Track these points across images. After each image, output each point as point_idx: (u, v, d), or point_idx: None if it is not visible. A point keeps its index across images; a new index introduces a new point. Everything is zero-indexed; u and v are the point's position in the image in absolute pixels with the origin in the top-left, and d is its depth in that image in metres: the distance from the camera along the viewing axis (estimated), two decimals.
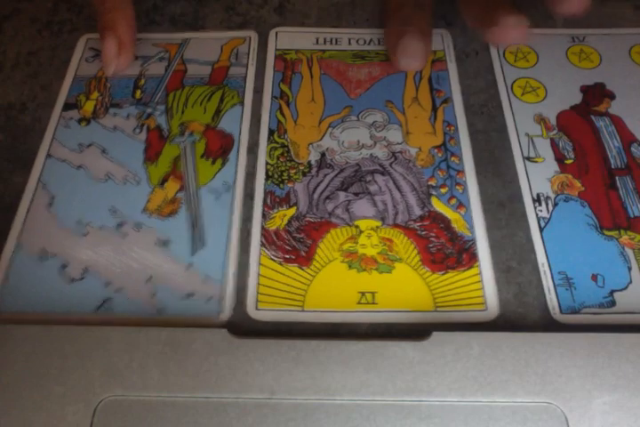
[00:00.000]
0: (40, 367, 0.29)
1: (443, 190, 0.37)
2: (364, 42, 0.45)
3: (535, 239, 0.35)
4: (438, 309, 0.33)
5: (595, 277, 0.34)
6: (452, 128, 0.40)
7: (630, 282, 0.34)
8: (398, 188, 0.38)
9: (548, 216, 0.36)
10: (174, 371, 0.29)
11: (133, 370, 0.29)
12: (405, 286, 0.34)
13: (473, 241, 0.35)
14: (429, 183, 0.38)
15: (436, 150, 0.39)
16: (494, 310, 0.33)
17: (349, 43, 0.45)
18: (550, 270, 0.34)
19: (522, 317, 0.33)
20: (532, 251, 0.35)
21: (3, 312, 0.33)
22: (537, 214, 0.36)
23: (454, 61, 0.44)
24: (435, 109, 0.41)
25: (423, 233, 0.36)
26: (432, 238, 0.36)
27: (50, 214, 0.37)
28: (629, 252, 0.35)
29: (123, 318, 0.33)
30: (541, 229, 0.36)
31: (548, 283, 0.34)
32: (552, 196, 0.37)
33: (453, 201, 0.37)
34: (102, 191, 0.38)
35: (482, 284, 0.34)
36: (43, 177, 0.38)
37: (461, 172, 0.38)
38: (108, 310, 0.33)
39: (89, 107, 0.42)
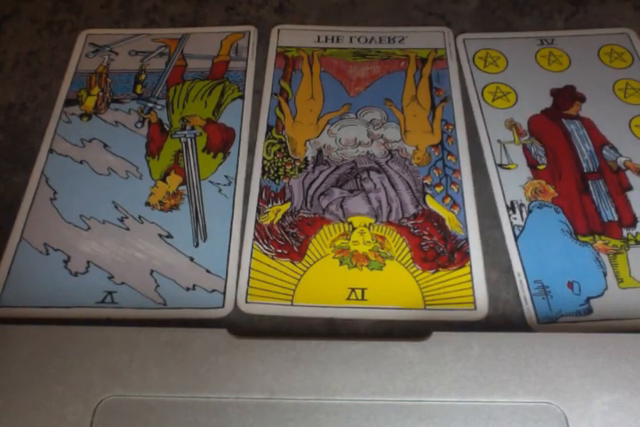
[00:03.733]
0: (40, 367, 0.27)
1: (438, 189, 0.35)
2: (366, 40, 0.43)
3: (510, 248, 0.33)
4: (427, 307, 0.31)
5: (571, 285, 0.32)
6: (451, 127, 0.38)
7: (606, 288, 0.32)
8: (393, 185, 0.36)
9: (522, 224, 0.34)
10: (174, 371, 0.27)
11: (133, 370, 0.27)
12: (395, 284, 0.32)
13: (466, 240, 0.33)
14: (425, 182, 0.36)
15: (433, 149, 0.37)
16: (483, 310, 0.31)
17: (351, 41, 0.43)
18: (526, 280, 0.32)
19: (508, 318, 0.31)
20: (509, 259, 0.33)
21: (7, 306, 0.32)
22: (511, 223, 0.34)
23: (455, 59, 0.42)
24: (434, 108, 0.39)
25: (416, 231, 0.34)
26: (425, 237, 0.34)
27: (53, 209, 0.35)
28: (604, 257, 0.33)
29: (127, 310, 0.31)
30: (516, 238, 0.33)
31: (524, 292, 0.32)
32: (526, 203, 0.35)
33: (448, 200, 0.35)
34: (105, 185, 0.36)
35: (472, 283, 0.32)
36: (45, 172, 0.36)
37: (457, 171, 0.36)
38: (111, 302, 0.32)
39: (90, 102, 0.40)
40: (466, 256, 0.33)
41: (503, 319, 0.31)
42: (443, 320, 0.31)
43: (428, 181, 0.36)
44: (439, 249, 0.33)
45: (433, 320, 0.31)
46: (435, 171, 0.36)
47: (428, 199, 0.35)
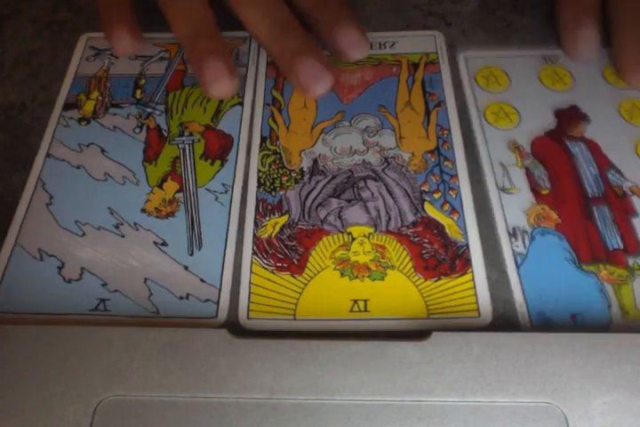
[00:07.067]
0: (40, 367, 0.28)
1: (436, 196, 0.36)
2: None
3: (512, 278, 0.33)
4: (431, 316, 0.32)
5: (574, 317, 0.32)
6: (446, 132, 0.39)
7: (610, 322, 0.31)
8: (391, 193, 0.36)
9: (524, 252, 0.34)
10: (174, 371, 0.28)
11: (133, 370, 0.28)
12: (398, 294, 0.32)
13: (466, 247, 0.34)
14: (422, 189, 0.36)
15: (429, 155, 0.38)
16: (487, 316, 0.32)
17: None
18: (528, 311, 0.32)
19: (514, 322, 0.32)
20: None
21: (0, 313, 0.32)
22: (513, 250, 0.34)
23: (447, 63, 0.42)
24: (428, 113, 0.40)
25: (416, 239, 0.34)
26: (425, 244, 0.34)
27: (49, 214, 0.35)
28: (609, 288, 0.32)
29: (119, 318, 0.32)
30: (518, 267, 0.33)
31: (525, 324, 0.31)
32: (528, 229, 0.34)
33: (447, 206, 0.35)
34: (101, 191, 0.36)
35: (475, 290, 0.32)
36: (42, 176, 0.37)
37: (455, 176, 0.37)
38: (104, 310, 0.32)
39: (89, 106, 0.40)
40: (467, 263, 0.33)
41: (503, 320, 0.32)
42: (447, 329, 0.31)
43: (425, 188, 0.36)
44: (440, 257, 0.33)
45: (437, 329, 0.30)
46: (432, 177, 0.37)
47: (427, 206, 0.35)
